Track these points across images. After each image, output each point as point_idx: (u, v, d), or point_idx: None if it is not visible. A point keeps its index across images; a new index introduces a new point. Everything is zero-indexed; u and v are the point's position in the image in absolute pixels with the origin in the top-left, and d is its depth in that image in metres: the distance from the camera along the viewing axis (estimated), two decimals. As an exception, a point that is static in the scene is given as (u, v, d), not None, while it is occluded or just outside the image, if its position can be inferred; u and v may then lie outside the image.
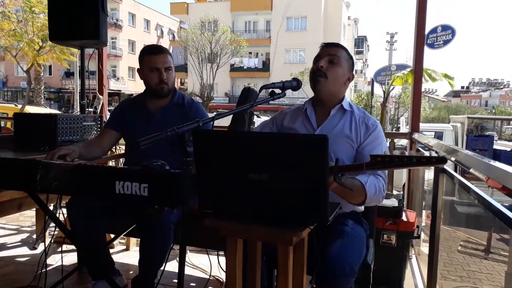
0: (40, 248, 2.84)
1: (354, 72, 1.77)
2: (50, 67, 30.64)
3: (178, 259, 1.46)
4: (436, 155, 1.31)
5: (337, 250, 1.40)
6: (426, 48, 3.61)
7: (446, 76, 5.17)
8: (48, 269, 1.95)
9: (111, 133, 2.18)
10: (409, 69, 5.03)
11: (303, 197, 1.13)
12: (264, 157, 1.15)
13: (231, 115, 1.86)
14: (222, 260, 1.82)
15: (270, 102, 1.60)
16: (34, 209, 2.93)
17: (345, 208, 1.60)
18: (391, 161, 1.29)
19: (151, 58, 2.04)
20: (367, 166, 1.34)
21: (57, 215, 1.93)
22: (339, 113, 1.70)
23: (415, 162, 1.26)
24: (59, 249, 2.73)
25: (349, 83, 1.73)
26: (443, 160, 1.27)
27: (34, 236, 3.04)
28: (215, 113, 1.61)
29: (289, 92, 1.62)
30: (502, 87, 70.83)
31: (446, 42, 4.59)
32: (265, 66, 32.86)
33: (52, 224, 2.89)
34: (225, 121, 2.55)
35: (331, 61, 1.64)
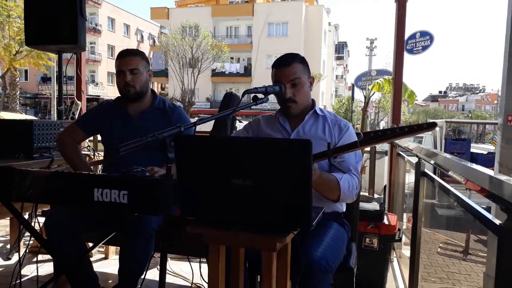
0: (15, 258, 2.75)
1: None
2: (26, 71, 29.87)
3: (158, 267, 1.43)
4: (426, 122, 1.38)
5: (314, 246, 1.42)
6: (405, 54, 3.68)
7: (411, 93, 5.48)
8: (23, 280, 1.89)
9: (80, 134, 2.13)
10: (386, 76, 5.18)
11: (287, 202, 1.12)
12: (248, 163, 1.13)
13: (213, 120, 1.85)
14: (204, 267, 1.80)
15: (253, 107, 1.59)
16: (8, 218, 2.84)
17: (326, 208, 1.61)
18: (384, 133, 1.34)
19: (117, 62, 2.02)
20: (361, 143, 1.37)
21: (32, 224, 1.87)
22: (312, 117, 1.75)
23: (407, 131, 1.32)
24: (34, 259, 2.64)
25: (312, 86, 1.76)
26: (433, 125, 1.34)
27: (8, 246, 2.93)
28: (196, 118, 1.59)
29: (271, 97, 1.63)
30: (478, 92, 73.06)
31: (424, 48, 4.69)
32: (247, 71, 32.89)
33: (27, 234, 2.80)
34: (207, 126, 2.54)
35: (294, 85, 1.66)
